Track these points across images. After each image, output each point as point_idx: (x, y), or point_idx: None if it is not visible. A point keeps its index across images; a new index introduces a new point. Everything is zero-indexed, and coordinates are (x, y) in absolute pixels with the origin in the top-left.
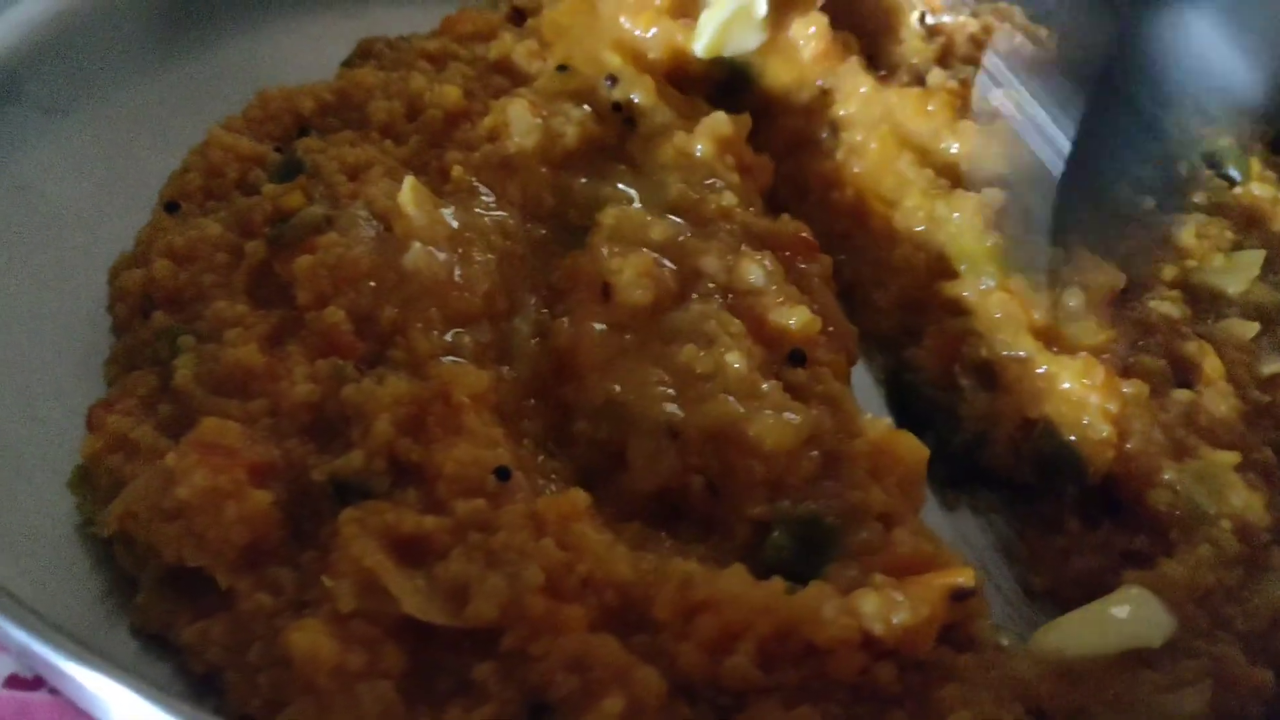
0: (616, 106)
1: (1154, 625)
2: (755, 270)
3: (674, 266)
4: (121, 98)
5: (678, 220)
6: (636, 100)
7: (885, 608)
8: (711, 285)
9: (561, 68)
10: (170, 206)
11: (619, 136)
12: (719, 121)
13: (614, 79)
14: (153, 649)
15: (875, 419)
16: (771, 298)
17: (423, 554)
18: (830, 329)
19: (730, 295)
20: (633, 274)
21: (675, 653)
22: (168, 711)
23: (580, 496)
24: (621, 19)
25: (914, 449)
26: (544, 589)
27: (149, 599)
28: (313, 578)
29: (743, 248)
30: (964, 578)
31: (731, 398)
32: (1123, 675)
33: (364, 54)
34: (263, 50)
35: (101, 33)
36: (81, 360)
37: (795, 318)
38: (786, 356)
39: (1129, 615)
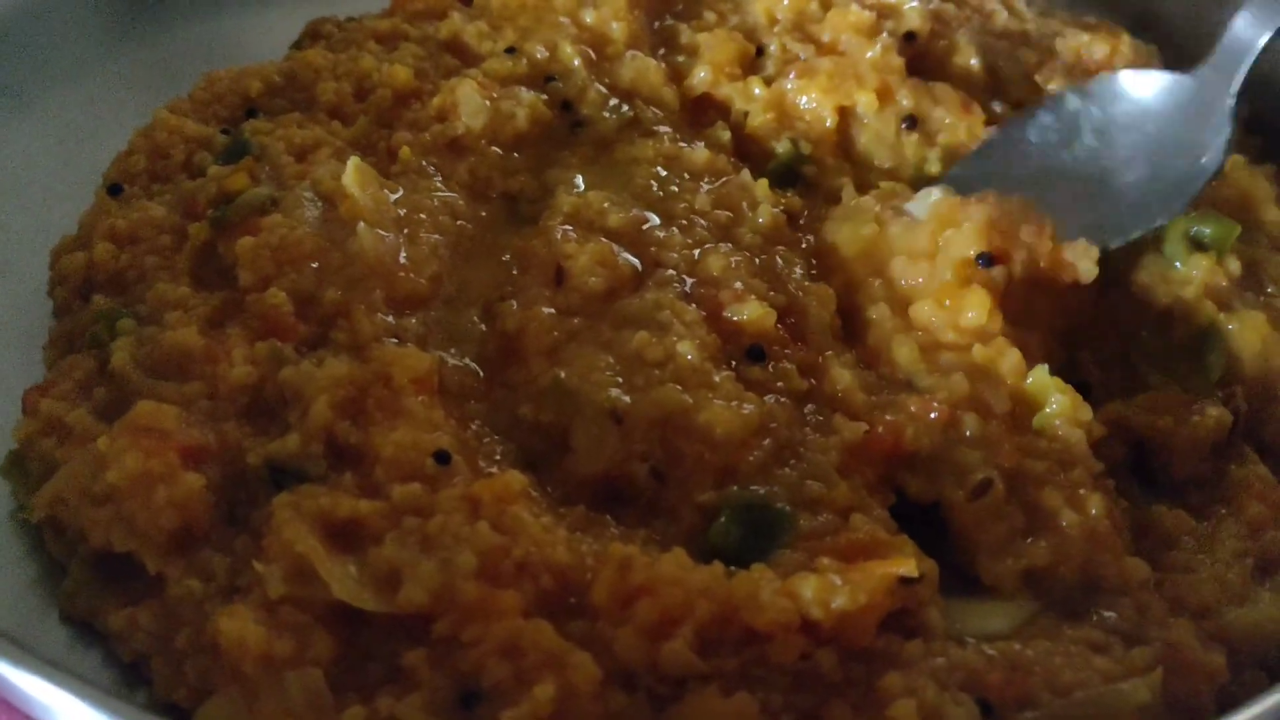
0: (565, 105)
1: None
2: (719, 262)
3: (632, 256)
4: (75, 82)
5: (643, 212)
6: (584, 111)
7: (824, 592)
8: (672, 272)
9: (510, 50)
10: (113, 189)
11: (570, 127)
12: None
13: (553, 78)
14: (83, 637)
15: (852, 422)
16: (731, 291)
17: (358, 539)
18: (792, 321)
19: (691, 282)
20: (589, 261)
21: (612, 639)
22: (92, 704)
23: (515, 478)
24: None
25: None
26: (477, 574)
27: (76, 585)
28: (245, 563)
29: (720, 247)
30: (905, 568)
31: (679, 386)
32: (1073, 664)
33: (313, 35)
34: (216, 34)
35: (55, 17)
36: (22, 344)
37: (749, 312)
38: (745, 351)
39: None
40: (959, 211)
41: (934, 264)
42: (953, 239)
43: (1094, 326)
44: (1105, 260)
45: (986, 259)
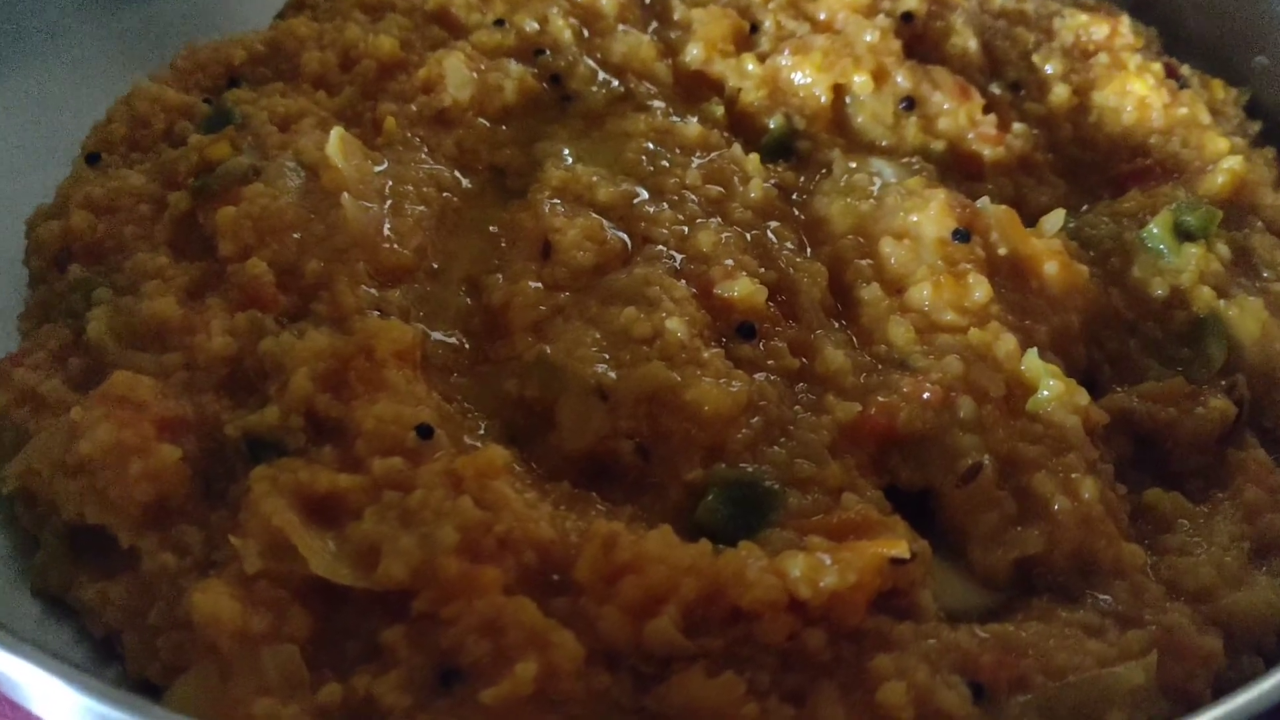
0: (555, 78)
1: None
2: (710, 238)
3: (622, 231)
4: (54, 49)
5: (633, 187)
6: (573, 85)
7: (812, 570)
8: (662, 248)
9: (499, 22)
10: (91, 158)
11: (559, 101)
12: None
13: (542, 51)
14: (55, 612)
15: (845, 402)
16: (722, 268)
17: (337, 513)
18: (783, 298)
19: (681, 258)
20: (577, 235)
21: (596, 616)
22: (63, 680)
23: (498, 453)
24: None
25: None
26: (458, 550)
27: (48, 559)
28: (222, 538)
29: (710, 222)
30: (897, 549)
31: (667, 363)
32: (1067, 647)
33: (298, 5)
34: (200, 2)
35: None
36: None
37: (739, 289)
38: (735, 328)
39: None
40: (920, 195)
41: (916, 245)
42: (922, 222)
43: (1098, 320)
44: (1103, 258)
45: (962, 234)
